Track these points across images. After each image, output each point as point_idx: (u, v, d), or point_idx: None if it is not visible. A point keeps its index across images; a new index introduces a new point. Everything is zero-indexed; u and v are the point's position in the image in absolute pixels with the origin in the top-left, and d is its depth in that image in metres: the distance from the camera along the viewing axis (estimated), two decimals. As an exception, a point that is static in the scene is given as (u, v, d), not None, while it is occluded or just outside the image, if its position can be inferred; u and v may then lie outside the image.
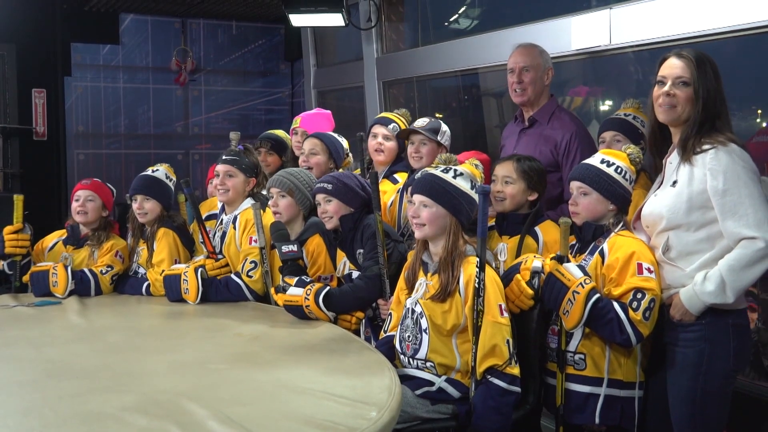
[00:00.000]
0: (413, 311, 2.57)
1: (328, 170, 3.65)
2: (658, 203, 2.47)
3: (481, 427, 2.40)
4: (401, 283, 2.73)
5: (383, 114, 3.88)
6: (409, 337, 2.56)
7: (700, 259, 2.39)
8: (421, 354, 2.52)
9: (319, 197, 3.08)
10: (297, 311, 2.89)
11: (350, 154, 3.91)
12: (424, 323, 2.52)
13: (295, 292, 2.89)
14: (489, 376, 2.41)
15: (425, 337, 2.51)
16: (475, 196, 2.57)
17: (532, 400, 2.59)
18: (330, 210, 3.04)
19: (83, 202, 3.45)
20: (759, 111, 3.74)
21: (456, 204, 2.53)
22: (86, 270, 3.34)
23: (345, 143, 3.87)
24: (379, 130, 3.67)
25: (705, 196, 2.36)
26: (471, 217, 2.57)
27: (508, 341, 2.41)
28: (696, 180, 2.37)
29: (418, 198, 2.57)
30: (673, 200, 2.41)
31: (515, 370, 2.41)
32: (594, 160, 2.64)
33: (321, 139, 3.71)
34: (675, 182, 2.43)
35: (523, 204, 2.92)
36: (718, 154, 2.34)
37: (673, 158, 2.49)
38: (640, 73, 4.12)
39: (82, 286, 3.30)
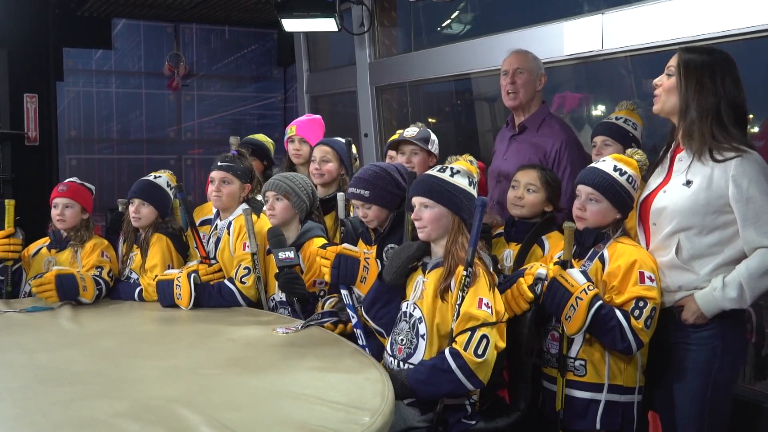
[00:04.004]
0: (410, 315, 2.54)
1: (339, 177, 3.64)
2: (670, 201, 2.47)
3: (409, 379, 2.39)
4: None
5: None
6: (402, 340, 2.53)
7: (713, 262, 2.42)
8: (415, 359, 2.48)
9: (356, 203, 3.01)
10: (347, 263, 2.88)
11: (358, 159, 3.89)
12: (422, 329, 2.48)
13: (352, 248, 2.93)
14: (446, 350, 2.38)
15: (422, 342, 2.47)
16: (474, 192, 2.56)
17: (524, 406, 2.58)
18: (370, 215, 2.97)
19: (61, 210, 3.45)
20: (751, 116, 3.75)
21: (457, 202, 2.50)
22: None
23: (354, 149, 3.85)
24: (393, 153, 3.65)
25: (722, 201, 2.38)
26: (472, 214, 2.57)
27: (482, 336, 2.34)
28: (715, 184, 2.38)
29: (418, 200, 2.54)
30: (689, 202, 2.42)
31: (477, 367, 2.32)
32: (607, 167, 2.61)
33: (332, 146, 3.68)
34: (689, 182, 2.43)
35: (538, 214, 2.93)
36: (742, 162, 2.36)
37: (683, 155, 2.50)
38: (632, 79, 4.14)
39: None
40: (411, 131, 3.49)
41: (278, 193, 3.18)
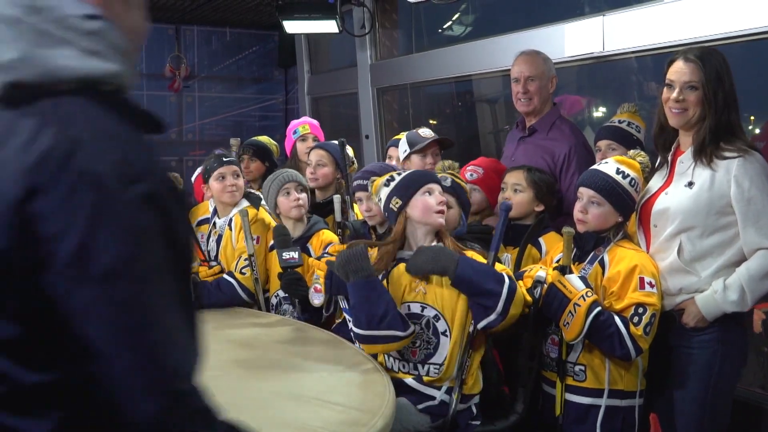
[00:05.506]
0: (418, 315, 2.44)
1: (334, 180, 3.63)
2: (672, 202, 2.45)
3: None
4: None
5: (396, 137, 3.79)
6: (416, 343, 2.43)
7: (715, 264, 2.40)
8: (437, 359, 2.41)
9: (362, 195, 3.01)
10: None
11: (355, 162, 3.88)
12: (441, 326, 2.42)
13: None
14: None
15: (444, 339, 2.41)
16: None
17: (522, 409, 2.55)
18: (374, 209, 2.94)
19: None
20: (752, 118, 3.75)
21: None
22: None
23: (350, 151, 3.83)
24: (393, 153, 3.63)
25: (724, 201, 2.37)
26: None
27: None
28: (717, 185, 2.37)
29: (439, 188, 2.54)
30: (691, 202, 2.40)
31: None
32: (609, 169, 2.56)
33: (327, 150, 3.67)
34: (691, 183, 2.42)
35: (529, 214, 2.92)
36: (744, 162, 2.35)
37: (685, 157, 2.48)
38: (633, 81, 4.14)
39: None
40: (428, 132, 3.39)
41: (302, 185, 3.24)
